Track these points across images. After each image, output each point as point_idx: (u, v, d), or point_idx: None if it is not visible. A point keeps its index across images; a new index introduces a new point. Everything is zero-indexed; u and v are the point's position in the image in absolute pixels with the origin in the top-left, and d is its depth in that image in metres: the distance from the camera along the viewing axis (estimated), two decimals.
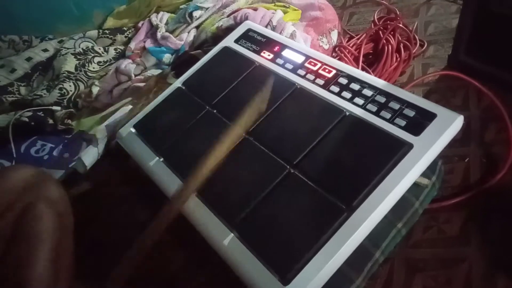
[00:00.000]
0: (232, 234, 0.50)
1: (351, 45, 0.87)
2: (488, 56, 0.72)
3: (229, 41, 0.75)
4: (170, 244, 0.63)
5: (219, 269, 0.52)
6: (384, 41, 0.83)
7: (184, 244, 0.62)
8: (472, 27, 0.73)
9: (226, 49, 0.73)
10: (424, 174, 0.52)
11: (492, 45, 0.72)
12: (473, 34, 0.73)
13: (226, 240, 0.50)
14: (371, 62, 0.86)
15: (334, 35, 0.88)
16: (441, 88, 0.77)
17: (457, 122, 0.50)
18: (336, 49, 0.88)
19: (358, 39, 0.89)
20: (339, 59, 0.80)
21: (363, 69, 0.81)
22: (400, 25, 0.87)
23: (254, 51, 0.70)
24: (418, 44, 0.87)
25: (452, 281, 0.49)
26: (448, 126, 0.49)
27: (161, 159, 0.63)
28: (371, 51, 0.87)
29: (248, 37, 0.74)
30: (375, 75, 0.79)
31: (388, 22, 0.88)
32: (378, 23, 0.90)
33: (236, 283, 0.49)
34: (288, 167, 0.53)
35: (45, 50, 1.06)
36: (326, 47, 0.86)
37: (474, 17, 0.72)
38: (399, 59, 0.82)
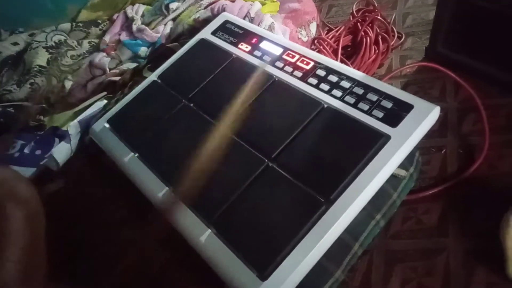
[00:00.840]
0: (210, 231, 0.49)
1: (330, 37, 0.86)
2: (465, 48, 0.73)
3: (206, 33, 0.73)
4: (152, 243, 0.62)
5: (202, 267, 0.51)
6: (363, 33, 0.83)
7: (166, 243, 0.61)
8: (449, 18, 0.73)
9: (203, 41, 0.72)
10: (401, 166, 0.52)
11: (468, 36, 0.72)
12: (450, 25, 0.74)
13: (203, 237, 0.49)
14: (350, 54, 0.85)
15: (313, 28, 0.88)
16: (418, 79, 0.77)
17: (434, 113, 0.50)
18: (315, 41, 0.87)
19: (336, 31, 0.88)
20: (318, 52, 0.79)
21: (342, 61, 0.80)
22: (378, 17, 0.87)
23: (231, 43, 0.69)
24: (396, 36, 0.87)
25: (431, 271, 0.50)
26: (425, 117, 0.49)
27: (136, 155, 0.61)
28: (349, 44, 0.87)
29: (226, 29, 0.72)
30: (354, 68, 0.78)
31: (367, 14, 0.88)
32: (356, 15, 0.89)
33: (217, 280, 0.48)
34: (266, 160, 0.52)
35: (15, 44, 1.02)
36: (305, 39, 0.85)
37: (451, 8, 0.72)
38: (377, 51, 0.82)
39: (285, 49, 0.64)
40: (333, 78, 0.57)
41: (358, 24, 0.86)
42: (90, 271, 0.64)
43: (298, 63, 0.61)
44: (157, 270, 0.61)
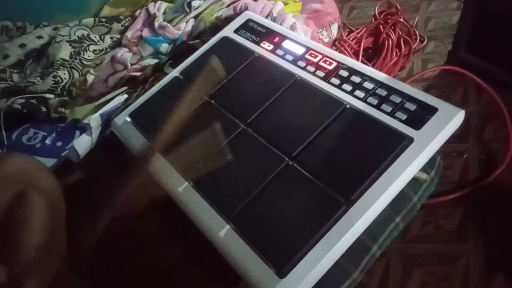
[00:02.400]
0: (229, 226, 0.49)
1: (351, 39, 0.86)
2: (488, 54, 0.72)
3: (228, 31, 0.73)
4: (165, 239, 0.63)
5: (214, 264, 0.51)
6: (385, 36, 0.83)
7: (179, 239, 0.61)
8: (473, 24, 0.72)
9: (225, 39, 0.72)
10: (423, 169, 0.52)
11: (492, 43, 0.71)
12: (474, 31, 0.73)
13: (222, 232, 0.49)
14: (371, 56, 0.85)
15: (334, 29, 0.87)
16: (440, 84, 0.76)
17: (458, 117, 0.49)
18: (336, 42, 0.87)
19: (358, 33, 0.88)
20: (339, 53, 0.79)
21: (363, 63, 0.80)
22: (401, 20, 0.86)
23: (253, 41, 0.69)
24: (418, 40, 0.86)
25: (449, 277, 0.49)
26: (449, 120, 0.49)
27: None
28: (371, 46, 0.87)
29: (248, 28, 0.72)
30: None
31: (389, 16, 0.87)
32: (378, 18, 0.89)
33: (232, 276, 0.48)
34: (286, 159, 0.52)
35: (40, 37, 1.04)
36: (326, 40, 0.85)
37: (475, 15, 0.71)
38: (399, 54, 0.82)
39: (308, 48, 0.64)
40: (356, 79, 0.57)
41: (380, 26, 0.85)
42: (107, 263, 0.65)
43: (321, 63, 0.61)
44: (171, 266, 0.62)
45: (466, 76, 0.68)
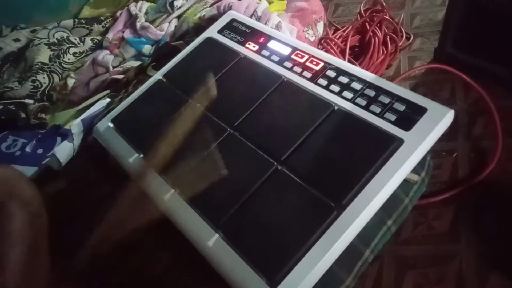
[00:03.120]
0: (217, 235, 0.48)
1: (337, 37, 0.85)
2: (475, 49, 0.71)
3: (212, 32, 0.72)
4: (155, 244, 0.61)
5: (205, 269, 0.49)
6: (371, 34, 0.82)
7: (168, 244, 0.59)
8: (460, 19, 0.72)
9: (209, 40, 0.70)
10: (413, 170, 0.51)
11: (479, 37, 0.71)
12: (460, 26, 0.72)
13: (211, 241, 0.48)
14: (357, 55, 0.84)
15: (320, 27, 0.86)
16: (427, 81, 0.76)
17: (448, 117, 0.48)
18: (322, 41, 0.86)
19: (344, 31, 0.87)
20: (325, 52, 0.78)
21: (349, 62, 0.79)
22: (387, 18, 0.85)
23: (238, 42, 0.68)
24: (404, 37, 0.85)
25: (444, 278, 0.49)
26: (439, 120, 0.48)
27: (141, 156, 0.59)
28: (357, 44, 0.86)
29: (232, 28, 0.71)
30: (362, 68, 0.77)
31: (375, 14, 0.87)
32: (364, 15, 0.88)
33: (222, 283, 0.46)
34: (275, 163, 0.51)
35: (17, 40, 1.01)
36: (312, 39, 0.84)
37: (462, 9, 0.71)
38: (385, 52, 0.81)
39: (294, 49, 0.63)
40: (343, 79, 0.56)
41: (366, 24, 0.84)
42: (94, 271, 0.63)
43: (308, 64, 0.60)
44: (161, 271, 0.60)
45: (452, 73, 0.68)
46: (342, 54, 0.81)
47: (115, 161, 0.63)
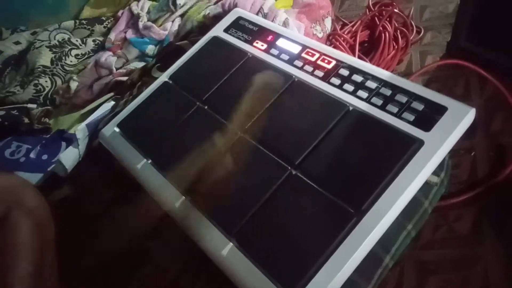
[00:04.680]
0: (231, 244, 0.46)
1: (345, 32, 0.83)
2: (490, 42, 0.69)
3: (218, 31, 0.69)
4: (165, 254, 0.59)
5: (217, 278, 0.48)
6: (381, 28, 0.79)
7: (180, 253, 0.58)
8: (473, 11, 0.69)
9: (216, 39, 0.68)
10: (432, 171, 0.49)
11: (494, 29, 0.68)
12: (474, 18, 0.70)
13: (225, 250, 0.46)
14: (367, 50, 0.82)
15: (328, 23, 0.84)
16: (441, 76, 0.73)
17: (470, 116, 0.46)
18: (330, 37, 0.83)
19: (352, 26, 0.84)
20: (333, 48, 0.75)
21: (359, 58, 0.77)
22: (396, 11, 0.83)
23: (245, 41, 0.66)
24: (414, 31, 0.83)
25: (468, 283, 0.47)
26: (460, 120, 0.46)
27: (149, 161, 0.58)
28: (366, 39, 0.83)
29: (239, 26, 0.68)
30: (373, 64, 0.75)
31: (384, 7, 0.84)
32: (372, 9, 0.85)
33: None
34: (289, 168, 0.49)
35: (17, 43, 0.99)
36: (320, 35, 0.81)
37: (475, 0, 0.68)
38: (396, 47, 0.78)
39: (304, 46, 0.60)
40: (357, 78, 0.54)
41: (376, 18, 0.82)
42: (105, 281, 0.61)
43: (319, 62, 0.58)
44: (172, 280, 0.59)
45: (467, 67, 0.65)
46: (351, 50, 0.78)
47: (121, 166, 0.62)
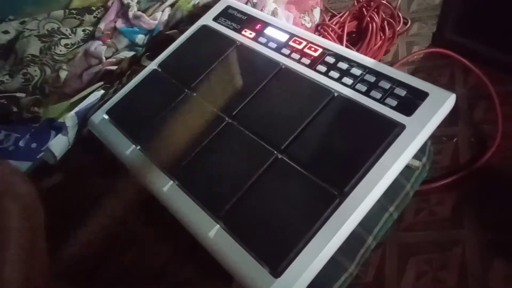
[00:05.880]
0: (218, 226, 0.47)
1: (334, 23, 0.84)
2: (474, 33, 0.70)
3: (207, 19, 0.70)
4: (154, 237, 0.60)
5: (207, 261, 0.49)
6: (368, 19, 0.81)
7: (170, 236, 0.59)
8: (458, 3, 0.71)
9: (205, 28, 0.69)
10: (414, 156, 0.50)
11: (478, 21, 0.70)
12: (459, 10, 0.71)
13: (212, 232, 0.47)
14: (355, 41, 0.83)
15: (317, 13, 0.85)
16: (426, 66, 0.75)
17: (450, 101, 0.48)
18: (319, 27, 0.84)
19: (341, 17, 0.86)
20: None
21: (347, 47, 0.78)
22: (384, 2, 0.84)
23: (234, 29, 0.66)
24: (401, 22, 0.84)
25: (446, 264, 0.48)
26: (441, 105, 0.47)
27: (138, 147, 0.58)
28: (354, 30, 0.84)
29: (228, 15, 0.69)
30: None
31: None
32: (361, 0, 0.86)
33: (225, 275, 0.46)
34: (275, 152, 0.50)
35: (6, 32, 0.98)
36: (309, 25, 0.82)
37: None
38: (383, 37, 0.80)
39: (292, 35, 0.61)
40: (343, 65, 0.55)
41: (364, 9, 0.83)
42: (91, 267, 0.62)
43: (306, 50, 0.59)
44: (161, 264, 0.60)
45: (452, 58, 0.67)
46: (339, 40, 0.80)
47: (111, 153, 0.62)
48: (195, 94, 0.60)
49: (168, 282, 0.58)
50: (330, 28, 0.81)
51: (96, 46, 0.88)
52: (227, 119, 0.55)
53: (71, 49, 0.95)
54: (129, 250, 0.62)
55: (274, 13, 0.75)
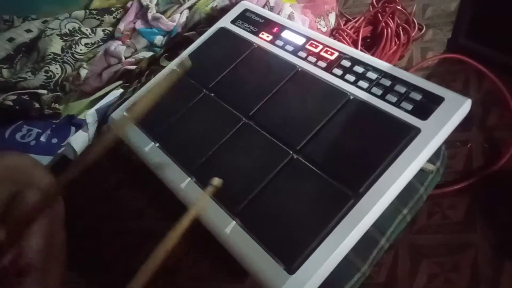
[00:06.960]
0: (234, 222, 0.48)
1: (349, 28, 0.85)
2: (489, 40, 0.71)
3: (225, 22, 0.72)
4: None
5: (221, 257, 0.50)
6: (383, 24, 0.81)
7: (185, 232, 0.60)
8: (474, 8, 0.71)
9: (223, 30, 0.70)
10: (429, 160, 0.51)
11: (493, 28, 0.70)
12: (474, 16, 0.72)
13: (228, 228, 0.48)
14: (369, 46, 0.84)
15: (332, 18, 0.86)
16: (441, 72, 0.75)
17: (465, 106, 0.48)
18: (334, 32, 0.85)
19: (356, 22, 0.86)
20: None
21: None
22: (399, 8, 0.85)
23: (252, 32, 0.68)
24: (416, 28, 0.85)
25: (458, 267, 0.49)
26: (456, 110, 0.48)
27: (157, 144, 0.60)
28: (369, 35, 0.85)
29: (245, 18, 0.71)
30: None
31: (387, 4, 0.86)
32: (376, 6, 0.87)
33: (240, 270, 0.47)
34: (291, 152, 0.51)
35: (29, 31, 1.01)
36: (324, 29, 0.84)
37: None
38: (398, 43, 0.80)
39: (308, 38, 0.63)
40: (359, 69, 0.56)
41: (379, 14, 0.84)
42: (108, 261, 0.64)
43: (322, 53, 0.60)
44: (175, 260, 0.61)
45: (467, 63, 0.67)
46: (354, 45, 0.81)
47: (129, 149, 0.64)
48: (212, 95, 0.62)
49: (182, 277, 0.59)
50: (345, 33, 0.82)
51: (116, 46, 0.90)
52: (244, 119, 0.57)
53: (91, 48, 0.97)
54: (145, 245, 0.63)
55: (290, 17, 0.76)
